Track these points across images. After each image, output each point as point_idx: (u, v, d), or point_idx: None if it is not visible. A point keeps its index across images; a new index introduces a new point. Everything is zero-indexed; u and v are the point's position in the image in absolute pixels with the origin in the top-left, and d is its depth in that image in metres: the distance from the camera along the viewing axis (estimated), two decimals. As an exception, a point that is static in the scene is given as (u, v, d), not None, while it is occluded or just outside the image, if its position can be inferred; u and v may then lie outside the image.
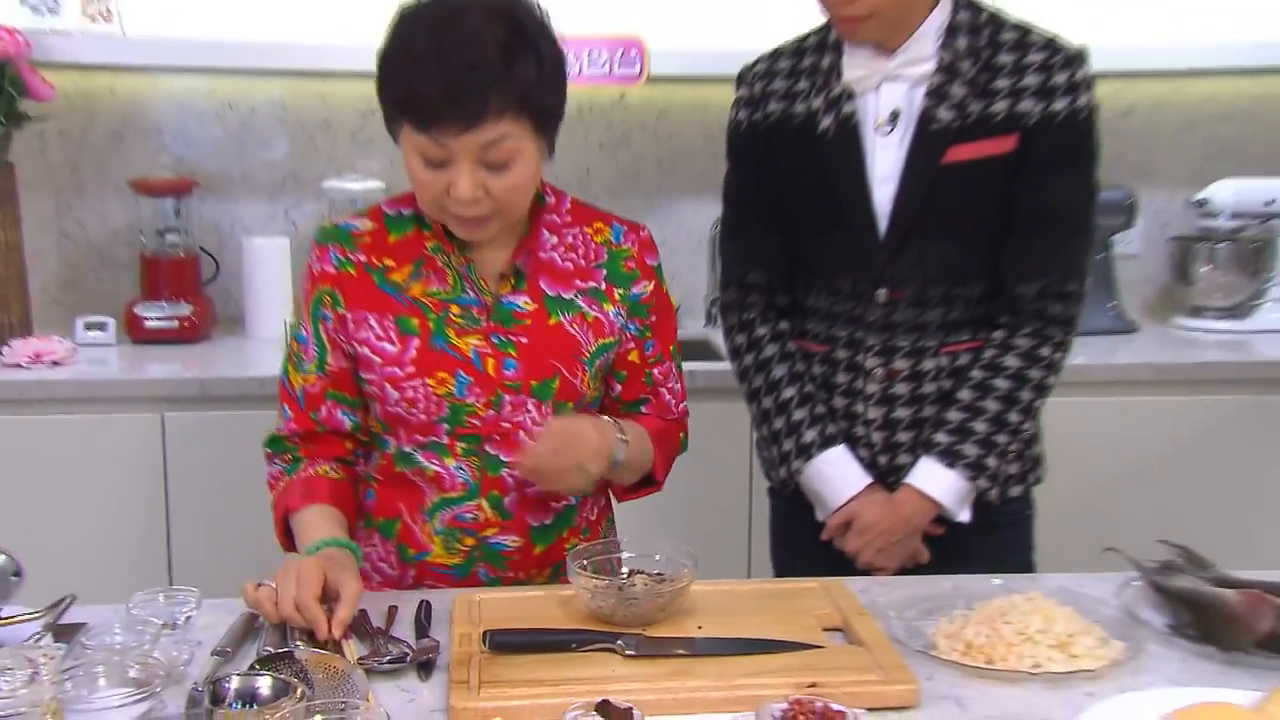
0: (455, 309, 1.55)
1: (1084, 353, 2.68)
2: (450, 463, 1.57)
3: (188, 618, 1.37)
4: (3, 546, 1.40)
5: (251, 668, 1.23)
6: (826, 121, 1.73)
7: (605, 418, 1.58)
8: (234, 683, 1.17)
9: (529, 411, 1.56)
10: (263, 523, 2.41)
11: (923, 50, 1.69)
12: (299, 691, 1.14)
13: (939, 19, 1.69)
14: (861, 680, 1.25)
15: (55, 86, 2.63)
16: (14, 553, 1.39)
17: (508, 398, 1.55)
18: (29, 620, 1.34)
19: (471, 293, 1.56)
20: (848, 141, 1.72)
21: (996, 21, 1.72)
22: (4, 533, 2.22)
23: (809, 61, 1.78)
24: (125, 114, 2.86)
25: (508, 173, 1.44)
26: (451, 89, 1.38)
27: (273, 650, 1.29)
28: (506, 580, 1.60)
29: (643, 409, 1.68)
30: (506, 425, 1.55)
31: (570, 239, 1.61)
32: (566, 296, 1.59)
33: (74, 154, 2.86)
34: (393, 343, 1.54)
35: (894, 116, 1.71)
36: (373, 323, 1.54)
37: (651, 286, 1.65)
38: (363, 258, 1.56)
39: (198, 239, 2.85)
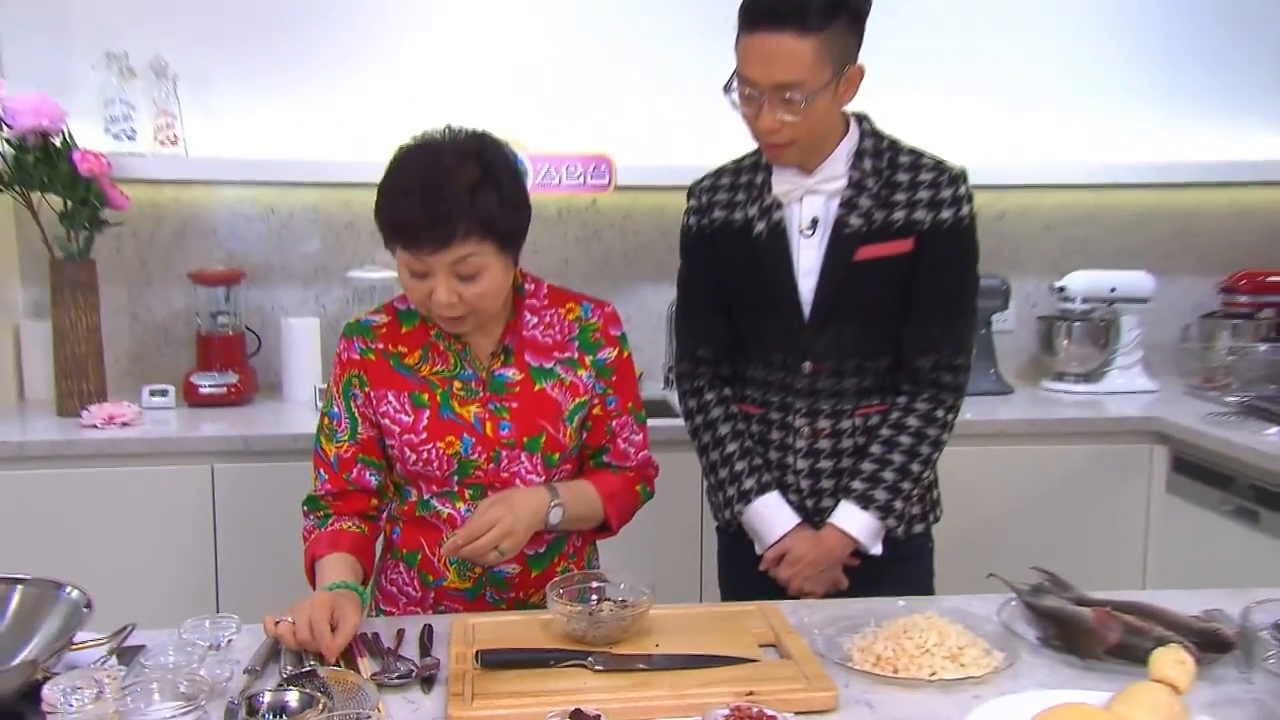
0: (457, 384, 1.56)
1: (971, 410, 2.69)
2: (461, 506, 1.56)
3: (229, 640, 1.34)
4: (76, 583, 1.36)
5: (280, 684, 1.21)
6: (760, 226, 1.74)
7: (544, 488, 1.54)
8: (266, 697, 1.15)
9: (522, 463, 1.56)
10: (295, 557, 2.40)
11: (836, 170, 1.71)
12: (321, 704, 1.12)
13: (849, 145, 1.72)
14: (790, 689, 1.24)
15: (130, 197, 2.62)
16: (85, 588, 1.35)
17: (504, 453, 1.55)
18: (97, 645, 1.31)
19: (469, 369, 1.56)
20: (777, 242, 1.74)
21: (895, 147, 1.74)
22: (80, 567, 2.19)
23: (745, 178, 1.79)
24: (186, 218, 2.85)
25: (477, 282, 1.46)
26: (428, 217, 1.41)
27: (295, 670, 1.27)
28: (509, 600, 1.59)
29: (605, 456, 1.66)
30: (505, 475, 1.56)
31: (548, 319, 1.61)
32: (547, 366, 1.59)
33: (144, 251, 2.84)
34: (408, 414, 1.54)
35: (814, 223, 1.72)
36: (391, 399, 1.55)
37: (615, 353, 1.64)
38: (381, 346, 1.57)
39: (244, 319, 2.83)
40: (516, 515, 1.47)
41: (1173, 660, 1.19)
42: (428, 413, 1.54)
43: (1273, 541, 2.35)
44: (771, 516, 1.77)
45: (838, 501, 1.75)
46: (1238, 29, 3.10)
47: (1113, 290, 2.94)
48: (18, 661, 1.22)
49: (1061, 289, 2.96)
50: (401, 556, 1.61)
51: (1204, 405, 2.75)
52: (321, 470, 1.59)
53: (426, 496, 1.57)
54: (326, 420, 1.59)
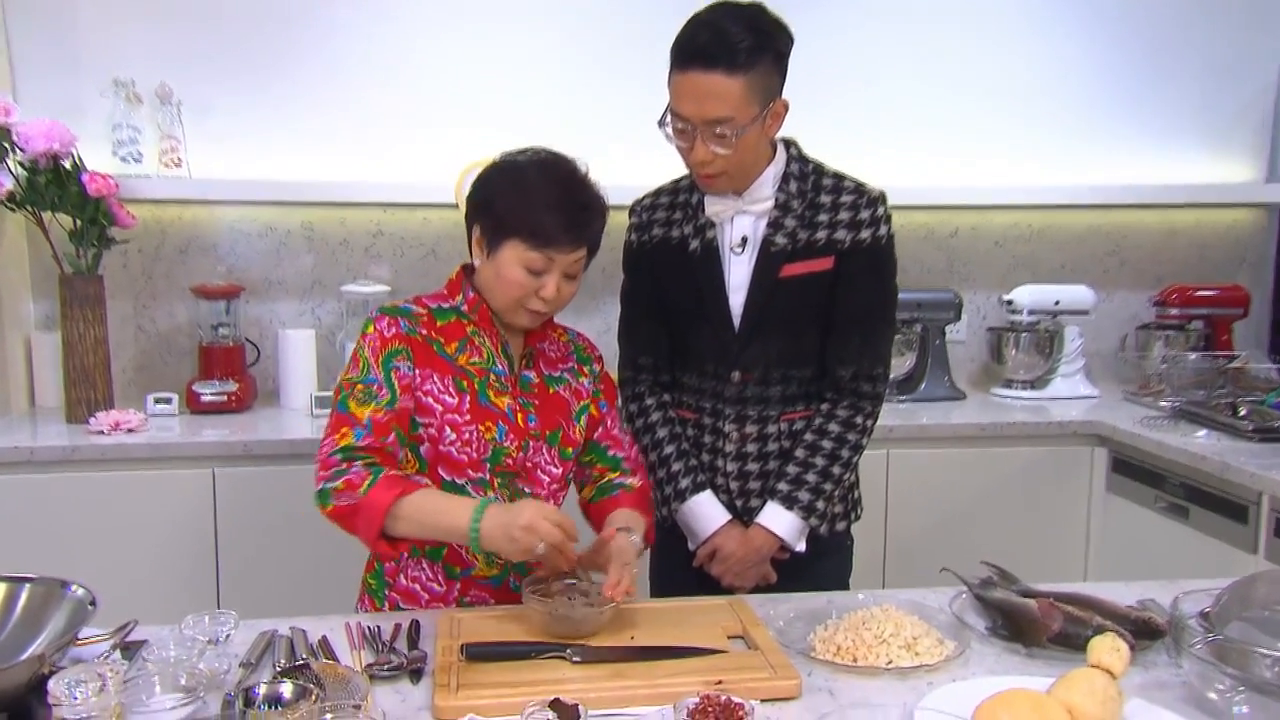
0: (492, 376, 1.55)
1: (926, 415, 2.73)
2: (490, 495, 1.52)
3: (228, 635, 1.32)
4: (83, 582, 1.34)
5: (275, 677, 1.19)
6: (695, 244, 1.74)
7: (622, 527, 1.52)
8: (261, 689, 1.13)
9: (544, 454, 1.57)
10: (293, 555, 2.39)
11: (763, 193, 1.70)
12: (313, 695, 1.10)
13: (776, 169, 1.70)
14: (757, 677, 1.24)
15: (136, 216, 2.60)
16: (91, 586, 1.33)
17: (531, 443, 1.55)
18: (100, 641, 1.29)
19: (501, 366, 1.56)
20: (710, 259, 1.73)
21: (819, 171, 1.74)
22: (87, 566, 2.17)
23: (682, 198, 1.78)
24: (189, 236, 2.83)
25: (575, 281, 1.54)
26: (570, 222, 1.47)
27: (289, 664, 1.25)
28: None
29: (608, 451, 1.65)
30: (530, 464, 1.56)
31: (550, 337, 1.65)
32: (556, 374, 1.62)
33: (149, 267, 2.82)
34: (452, 396, 1.52)
35: (744, 241, 1.71)
36: (436, 380, 1.52)
37: (601, 367, 1.68)
38: (424, 331, 1.54)
39: (243, 331, 2.80)
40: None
41: (1109, 648, 1.20)
42: (468, 398, 1.52)
43: (1201, 536, 2.37)
44: (704, 514, 1.76)
45: (764, 501, 1.74)
46: (1165, 69, 3.16)
47: (1056, 303, 2.97)
48: (25, 657, 1.20)
49: (1009, 302, 2.99)
50: (424, 554, 1.56)
51: (1140, 410, 2.78)
52: (356, 429, 1.44)
53: (461, 482, 1.52)
54: (360, 387, 1.48)
